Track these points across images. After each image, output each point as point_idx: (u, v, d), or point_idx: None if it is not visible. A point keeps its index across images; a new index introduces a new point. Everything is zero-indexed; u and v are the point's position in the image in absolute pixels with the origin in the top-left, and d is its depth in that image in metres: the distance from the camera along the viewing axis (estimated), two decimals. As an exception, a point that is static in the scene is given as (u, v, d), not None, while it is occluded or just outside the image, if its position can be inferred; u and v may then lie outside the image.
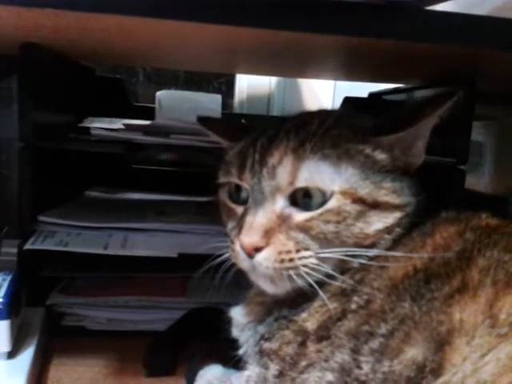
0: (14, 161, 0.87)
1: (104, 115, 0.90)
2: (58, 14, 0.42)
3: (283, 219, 0.46)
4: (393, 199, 0.47)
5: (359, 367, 0.40)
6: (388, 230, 0.47)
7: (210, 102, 1.06)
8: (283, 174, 0.46)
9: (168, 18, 0.42)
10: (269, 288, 0.48)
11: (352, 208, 0.45)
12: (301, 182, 0.46)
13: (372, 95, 1.08)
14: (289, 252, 0.45)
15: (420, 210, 0.49)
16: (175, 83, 1.26)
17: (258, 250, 0.45)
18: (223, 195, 0.53)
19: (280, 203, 0.46)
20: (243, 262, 0.47)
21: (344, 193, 0.45)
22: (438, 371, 0.35)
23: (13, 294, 0.56)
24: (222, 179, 0.53)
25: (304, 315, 0.47)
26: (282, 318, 0.48)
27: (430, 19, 0.46)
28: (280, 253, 0.45)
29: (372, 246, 0.47)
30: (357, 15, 0.44)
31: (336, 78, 1.14)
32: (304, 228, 0.46)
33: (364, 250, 0.46)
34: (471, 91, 0.63)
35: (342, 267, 0.47)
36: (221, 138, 0.57)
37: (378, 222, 0.47)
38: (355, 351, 0.41)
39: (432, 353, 0.36)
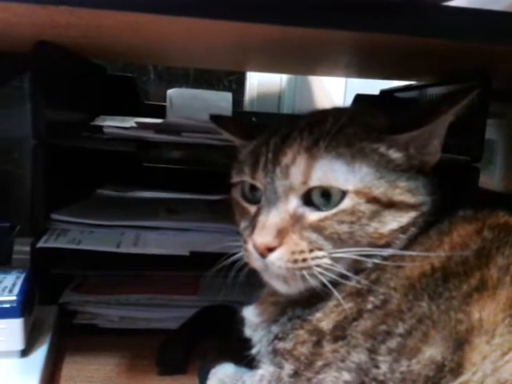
0: (26, 159, 0.88)
1: (115, 114, 0.90)
2: (72, 12, 0.42)
3: (296, 219, 0.45)
4: (408, 198, 0.47)
5: (377, 367, 0.39)
6: (403, 229, 0.47)
7: (220, 100, 1.06)
8: (296, 173, 0.45)
9: (179, 14, 0.41)
10: (282, 288, 0.48)
11: (366, 208, 0.45)
12: (314, 182, 0.45)
13: (384, 92, 1.07)
14: (302, 252, 0.45)
15: (436, 209, 0.49)
16: (186, 81, 1.26)
17: (270, 249, 0.45)
18: (236, 194, 0.52)
19: (293, 203, 0.46)
20: (256, 262, 0.47)
21: (358, 192, 0.45)
22: (457, 370, 0.35)
23: (26, 292, 0.56)
24: (235, 178, 0.52)
25: (319, 315, 0.46)
26: (295, 318, 0.48)
27: (446, 15, 0.45)
28: (293, 253, 0.44)
29: (387, 245, 0.46)
30: (372, 11, 0.43)
31: (347, 76, 1.13)
32: (317, 228, 0.45)
33: (378, 249, 0.46)
34: (486, 88, 0.63)
35: (357, 267, 0.46)
36: (233, 136, 0.57)
37: (393, 221, 0.46)
38: (372, 351, 0.40)
39: (451, 352, 0.36)
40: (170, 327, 0.66)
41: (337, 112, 0.53)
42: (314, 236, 0.45)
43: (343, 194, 0.45)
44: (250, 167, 0.49)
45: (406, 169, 0.48)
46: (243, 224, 0.51)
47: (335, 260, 0.45)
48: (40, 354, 0.57)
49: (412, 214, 0.47)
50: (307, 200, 0.46)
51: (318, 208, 0.45)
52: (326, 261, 0.45)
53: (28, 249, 0.67)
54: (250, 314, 0.54)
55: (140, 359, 0.62)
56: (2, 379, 0.52)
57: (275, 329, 0.49)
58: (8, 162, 0.98)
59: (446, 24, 0.45)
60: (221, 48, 0.67)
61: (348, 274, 0.46)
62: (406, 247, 0.46)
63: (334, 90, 1.20)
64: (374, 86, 1.07)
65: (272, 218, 0.45)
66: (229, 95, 1.06)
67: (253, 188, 0.50)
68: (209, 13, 0.41)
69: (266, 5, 0.42)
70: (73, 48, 0.69)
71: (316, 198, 0.45)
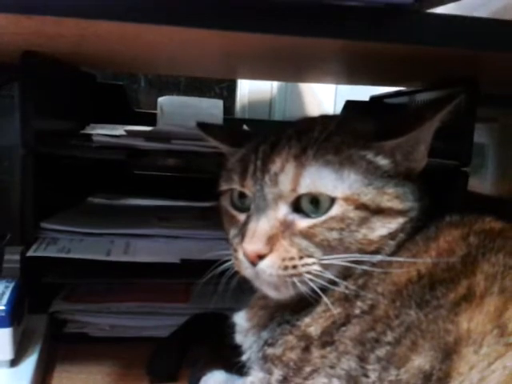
0: (16, 168, 0.87)
1: (106, 122, 0.90)
2: (58, 22, 0.42)
3: (286, 226, 0.46)
4: (396, 205, 0.47)
5: (366, 375, 0.39)
6: (392, 235, 0.47)
7: (211, 108, 1.06)
8: (285, 181, 0.46)
9: (165, 24, 0.41)
10: (272, 294, 0.48)
11: (355, 214, 0.45)
12: (303, 189, 0.45)
13: (373, 98, 1.08)
14: (292, 259, 0.45)
15: (423, 214, 0.49)
16: (177, 89, 1.27)
17: (261, 257, 0.45)
18: (225, 202, 0.52)
19: (283, 210, 0.46)
20: (246, 270, 0.47)
21: (347, 199, 0.45)
22: (444, 380, 0.35)
23: (15, 301, 0.55)
24: (224, 186, 0.52)
25: (307, 320, 0.46)
26: (285, 323, 0.48)
27: (430, 22, 0.45)
28: (283, 259, 0.45)
29: (376, 251, 0.47)
30: (357, 19, 0.44)
31: (337, 82, 1.14)
32: (307, 235, 0.45)
33: (368, 256, 0.46)
34: (473, 93, 0.63)
35: (346, 273, 0.47)
36: (221, 143, 0.57)
37: (382, 227, 0.46)
38: (362, 359, 0.40)
39: (439, 361, 0.36)
40: (161, 335, 0.66)
41: (324, 119, 0.54)
42: (304, 243, 0.45)
43: (332, 201, 0.45)
44: (239, 175, 0.49)
45: (394, 175, 0.48)
46: (232, 232, 0.51)
47: (325, 267, 0.46)
48: (30, 363, 0.56)
49: (400, 220, 0.47)
50: (297, 207, 0.46)
51: (307, 215, 0.46)
52: (316, 267, 0.45)
53: (18, 257, 0.66)
54: (240, 319, 0.54)
55: (131, 368, 0.62)
56: (-9, 390, 0.52)
57: (265, 335, 0.49)
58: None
59: (431, 31, 0.45)
60: (210, 56, 0.68)
61: (337, 280, 0.46)
62: (394, 253, 0.47)
63: (324, 97, 1.21)
64: (363, 93, 1.07)
65: (262, 226, 0.45)
66: (220, 102, 1.06)
67: (242, 196, 0.50)
68: (195, 21, 0.42)
69: (254, 13, 0.43)
70: (61, 57, 0.69)
71: (305, 205, 0.46)
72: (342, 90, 1.19)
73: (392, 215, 0.47)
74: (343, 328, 0.43)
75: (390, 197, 0.47)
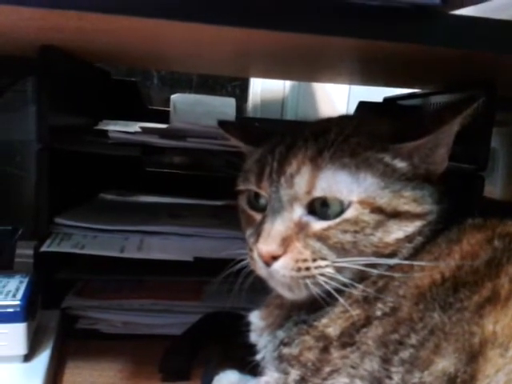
0: (29, 163, 0.88)
1: (119, 118, 0.90)
2: (81, 16, 0.42)
3: (301, 228, 0.45)
4: (413, 208, 0.46)
5: (389, 377, 0.39)
6: (409, 238, 0.46)
7: (224, 106, 1.06)
8: (301, 183, 0.46)
9: (181, 19, 0.41)
10: (287, 294, 0.48)
11: (370, 217, 0.45)
12: (318, 192, 0.45)
13: (387, 100, 1.07)
14: (305, 261, 0.45)
15: (443, 218, 0.48)
16: (189, 87, 1.26)
17: (275, 258, 0.45)
18: (242, 202, 0.52)
19: (298, 212, 0.46)
20: (261, 270, 0.47)
21: (362, 202, 0.45)
22: (469, 382, 0.35)
23: (30, 296, 0.56)
24: (241, 186, 0.52)
25: (325, 321, 0.46)
26: (301, 323, 0.48)
27: (451, 23, 0.45)
28: (297, 261, 0.45)
29: (392, 254, 0.46)
30: (377, 18, 0.43)
31: (351, 83, 1.14)
32: (321, 237, 0.45)
33: (383, 259, 0.46)
34: (492, 96, 0.63)
35: (362, 276, 0.46)
36: (241, 142, 0.57)
37: (398, 230, 0.46)
38: (385, 360, 0.40)
39: (464, 364, 0.35)
40: (173, 333, 0.66)
41: (342, 121, 0.53)
42: (317, 245, 0.45)
43: (347, 203, 0.45)
44: (256, 176, 0.49)
45: (412, 178, 0.47)
46: (249, 231, 0.51)
47: (338, 269, 0.45)
48: (43, 358, 0.57)
49: (418, 223, 0.47)
50: (311, 209, 0.46)
51: (322, 217, 0.46)
52: (329, 270, 0.45)
53: (31, 252, 0.67)
54: (255, 318, 0.54)
55: (143, 365, 0.62)
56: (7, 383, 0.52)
57: (281, 334, 0.49)
58: (10, 165, 0.98)
59: (451, 32, 0.45)
60: (223, 54, 0.68)
61: (352, 282, 0.45)
62: (412, 256, 0.46)
63: (337, 97, 1.20)
64: (377, 94, 1.07)
65: (277, 227, 0.45)
66: (232, 101, 1.06)
67: (258, 196, 0.50)
68: (209, 18, 0.41)
69: (267, 10, 0.42)
70: (77, 52, 0.69)
71: (320, 207, 0.46)
72: (356, 91, 1.18)
73: (409, 218, 0.46)
74: (364, 329, 0.43)
75: (408, 200, 0.46)
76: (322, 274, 0.45)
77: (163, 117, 1.00)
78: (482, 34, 0.46)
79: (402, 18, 0.43)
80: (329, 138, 0.47)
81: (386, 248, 0.46)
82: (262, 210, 0.49)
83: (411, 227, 0.46)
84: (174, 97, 1.05)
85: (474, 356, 0.35)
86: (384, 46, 0.47)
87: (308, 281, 0.45)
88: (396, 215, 0.46)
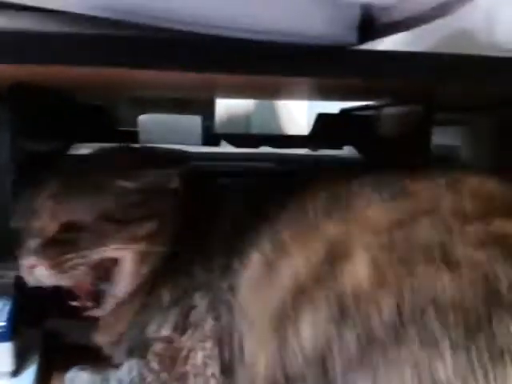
0: (5, 187, 0.90)
1: (89, 141, 0.94)
2: (34, 68, 0.46)
3: (52, 242, 0.57)
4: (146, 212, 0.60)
5: None
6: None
7: (190, 124, 1.12)
8: (45, 215, 0.57)
9: (146, 68, 0.45)
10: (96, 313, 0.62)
11: (110, 226, 0.58)
12: (61, 219, 0.57)
13: (343, 111, 1.14)
14: (55, 258, 0.56)
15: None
16: (156, 105, 1.31)
17: (32, 267, 0.56)
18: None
19: (48, 234, 0.57)
20: (30, 280, 0.58)
21: (100, 217, 0.57)
22: None
23: (14, 317, 0.59)
24: (13, 224, 0.62)
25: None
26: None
27: (363, 57, 0.48)
28: (51, 259, 0.56)
29: None
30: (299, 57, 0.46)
31: (309, 99, 1.20)
32: (75, 243, 0.57)
33: None
34: (430, 107, 0.69)
35: None
36: None
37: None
38: None
39: None
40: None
41: (91, 158, 0.68)
42: (66, 246, 0.57)
43: (88, 222, 0.57)
44: (18, 215, 0.61)
45: (144, 191, 0.60)
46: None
47: None
48: (29, 373, 0.60)
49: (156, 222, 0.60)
50: (63, 229, 0.57)
51: (71, 232, 0.57)
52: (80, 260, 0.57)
53: (12, 274, 0.70)
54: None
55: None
56: (-5, 399, 0.56)
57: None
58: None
59: (365, 66, 0.48)
60: (190, 84, 0.72)
61: None
62: None
63: (297, 110, 1.26)
64: (334, 106, 1.14)
65: (30, 246, 0.57)
66: (198, 119, 1.11)
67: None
68: (177, 65, 0.45)
69: (226, 57, 0.45)
70: (45, 86, 0.73)
71: (68, 226, 0.57)
72: (315, 104, 1.25)
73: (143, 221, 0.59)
74: None
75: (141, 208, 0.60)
76: (77, 264, 0.57)
77: (132, 137, 1.04)
78: (393, 64, 0.48)
79: (323, 55, 0.46)
80: (72, 173, 0.60)
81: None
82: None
83: (150, 225, 0.59)
84: (141, 117, 1.10)
85: None
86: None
87: (71, 272, 0.57)
88: (132, 220, 0.59)
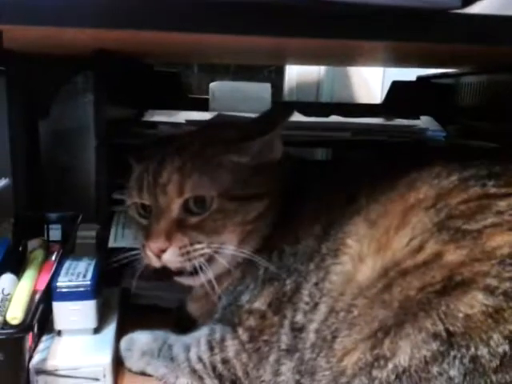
0: (83, 150, 0.94)
1: (162, 108, 0.96)
2: (137, 33, 0.47)
3: (180, 223, 0.58)
4: (260, 190, 0.60)
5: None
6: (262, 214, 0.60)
7: (260, 92, 1.11)
8: (172, 189, 0.58)
9: (221, 32, 0.46)
10: (186, 281, 0.61)
11: (230, 205, 0.58)
12: (187, 194, 0.58)
13: (420, 79, 1.09)
14: (185, 246, 0.57)
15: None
16: (227, 73, 1.31)
17: (163, 251, 0.57)
18: (132, 212, 0.63)
19: (175, 211, 0.58)
20: (154, 263, 0.59)
21: (221, 195, 0.58)
22: None
23: (97, 276, 0.63)
24: (129, 201, 0.64)
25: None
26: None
27: (467, 22, 0.46)
28: (180, 248, 0.57)
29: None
30: (400, 21, 0.45)
31: (385, 66, 1.15)
32: (198, 227, 0.58)
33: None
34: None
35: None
36: (134, 163, 0.65)
37: (254, 210, 0.59)
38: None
39: None
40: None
41: (200, 134, 0.67)
42: (194, 233, 0.58)
43: (211, 198, 0.57)
44: (137, 191, 0.61)
45: (255, 167, 0.60)
46: (140, 235, 0.62)
47: (216, 250, 0.58)
48: (110, 330, 0.64)
49: (266, 201, 0.60)
50: (187, 207, 0.58)
51: (196, 213, 0.58)
52: (207, 250, 0.58)
53: (93, 234, 0.74)
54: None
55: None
56: (80, 353, 0.60)
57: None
58: (64, 153, 1.05)
59: (468, 31, 0.46)
60: (260, 52, 0.72)
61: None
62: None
63: (371, 78, 1.22)
64: (412, 73, 1.09)
65: (160, 226, 0.57)
66: (268, 86, 1.10)
67: (143, 206, 0.61)
68: (250, 30, 0.45)
69: (303, 20, 0.45)
70: (126, 53, 0.75)
71: (193, 205, 0.58)
72: (390, 71, 1.20)
73: (259, 198, 0.60)
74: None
75: (255, 185, 0.60)
76: (201, 255, 0.57)
77: (203, 104, 1.05)
78: (494, 30, 0.47)
79: (425, 20, 0.45)
80: (189, 150, 0.60)
81: (247, 225, 0.59)
82: (148, 217, 0.61)
83: (262, 205, 0.60)
84: (212, 85, 1.10)
85: None
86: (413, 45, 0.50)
87: (195, 262, 0.57)
88: (249, 198, 0.59)
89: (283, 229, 0.60)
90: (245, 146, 0.60)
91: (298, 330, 0.54)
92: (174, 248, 0.57)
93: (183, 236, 0.57)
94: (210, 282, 0.58)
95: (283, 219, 0.61)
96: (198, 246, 0.57)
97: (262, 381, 0.55)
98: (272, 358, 0.55)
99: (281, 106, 0.67)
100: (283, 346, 0.55)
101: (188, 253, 0.57)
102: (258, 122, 0.66)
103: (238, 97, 1.09)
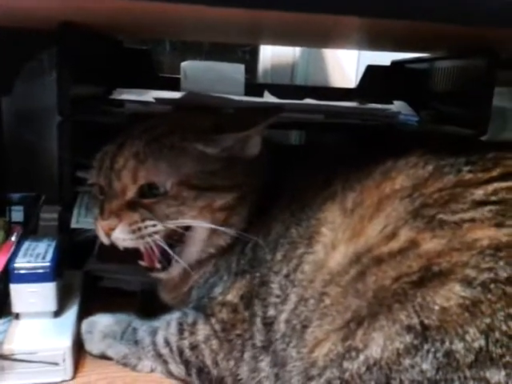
0: (47, 129, 0.91)
1: (131, 86, 0.93)
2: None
3: (132, 204, 0.57)
4: (225, 183, 0.58)
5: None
6: (229, 205, 0.59)
7: (233, 72, 1.08)
8: (127, 175, 0.57)
9: (197, 3, 0.44)
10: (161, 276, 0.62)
11: (189, 193, 0.57)
12: (142, 180, 0.57)
13: (395, 63, 1.08)
14: (136, 222, 0.56)
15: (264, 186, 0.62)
16: (200, 53, 1.28)
17: (112, 229, 0.56)
18: (95, 191, 0.63)
19: (129, 196, 0.57)
20: (105, 240, 0.58)
21: (180, 183, 0.56)
22: None
23: (57, 258, 0.60)
24: (91, 180, 0.63)
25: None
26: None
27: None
28: (130, 225, 0.56)
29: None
30: None
31: (359, 48, 1.14)
32: (150, 208, 0.57)
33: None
34: (492, 63, 0.64)
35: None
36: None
37: (217, 200, 0.58)
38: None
39: None
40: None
41: (170, 117, 0.66)
42: (145, 212, 0.57)
43: (170, 185, 0.56)
44: (97, 172, 0.61)
45: (228, 159, 0.59)
46: (95, 212, 0.61)
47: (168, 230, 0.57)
48: (71, 314, 0.62)
49: (234, 194, 0.59)
50: (142, 192, 0.57)
51: (151, 197, 0.57)
52: (160, 227, 0.56)
53: (55, 216, 0.71)
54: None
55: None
56: (39, 337, 0.58)
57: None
58: (28, 132, 1.02)
59: (444, 9, 0.46)
60: (235, 28, 0.69)
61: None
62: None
63: (346, 61, 1.21)
64: (387, 57, 1.08)
65: (112, 206, 0.57)
66: (241, 67, 1.07)
67: (101, 187, 0.61)
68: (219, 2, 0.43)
69: None
70: (93, 26, 0.71)
71: (148, 190, 0.57)
72: (365, 55, 1.19)
73: (224, 190, 0.59)
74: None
75: (221, 177, 0.58)
76: (155, 232, 0.56)
77: (174, 84, 1.02)
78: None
79: None
80: (153, 134, 0.59)
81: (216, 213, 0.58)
82: (103, 197, 0.60)
83: (228, 197, 0.58)
84: (184, 64, 1.07)
85: None
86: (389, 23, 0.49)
87: (148, 239, 0.56)
88: (211, 189, 0.57)
89: (259, 221, 0.59)
90: (216, 139, 0.58)
91: (270, 325, 0.53)
92: (123, 225, 0.56)
93: (134, 213, 0.56)
94: (183, 271, 0.59)
95: (260, 213, 0.60)
96: (149, 223, 0.56)
97: (240, 379, 0.54)
98: (247, 355, 0.54)
99: (272, 106, 0.66)
100: (258, 344, 0.54)
101: (140, 229, 0.56)
102: (242, 114, 0.65)
103: (211, 77, 1.06)
